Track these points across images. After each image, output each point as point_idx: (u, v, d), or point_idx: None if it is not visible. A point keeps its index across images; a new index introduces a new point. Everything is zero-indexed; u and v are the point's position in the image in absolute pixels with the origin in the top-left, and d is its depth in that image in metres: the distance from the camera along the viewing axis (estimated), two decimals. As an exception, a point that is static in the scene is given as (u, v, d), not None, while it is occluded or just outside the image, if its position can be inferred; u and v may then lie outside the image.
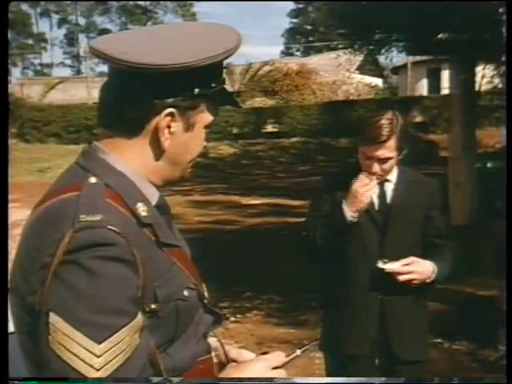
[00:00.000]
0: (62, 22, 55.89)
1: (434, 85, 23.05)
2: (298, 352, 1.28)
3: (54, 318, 0.96)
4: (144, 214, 1.09)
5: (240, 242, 8.16)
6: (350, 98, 22.60)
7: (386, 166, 2.24)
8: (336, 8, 8.91)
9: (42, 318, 0.98)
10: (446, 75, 16.80)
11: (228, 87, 1.23)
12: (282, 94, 22.73)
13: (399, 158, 2.27)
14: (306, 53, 37.34)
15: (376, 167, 2.23)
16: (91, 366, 0.96)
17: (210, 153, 16.94)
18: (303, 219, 2.50)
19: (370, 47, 9.60)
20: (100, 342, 0.96)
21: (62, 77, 33.82)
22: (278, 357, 1.24)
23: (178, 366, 1.12)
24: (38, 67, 54.60)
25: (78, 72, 50.48)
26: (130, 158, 1.13)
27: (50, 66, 54.34)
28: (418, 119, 18.29)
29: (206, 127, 1.17)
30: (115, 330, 0.97)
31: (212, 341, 1.26)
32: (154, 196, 1.15)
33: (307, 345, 1.34)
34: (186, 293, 1.13)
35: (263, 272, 6.57)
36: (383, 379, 2.06)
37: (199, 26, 1.26)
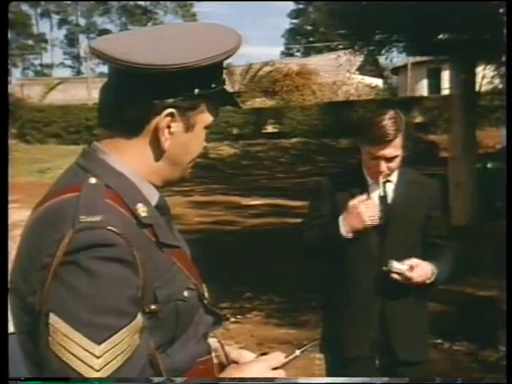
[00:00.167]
0: (63, 22, 55.91)
1: (435, 85, 23.04)
2: (298, 352, 1.28)
3: (53, 318, 0.97)
4: (144, 214, 1.09)
5: (240, 243, 8.16)
6: (351, 98, 22.58)
7: (393, 164, 2.25)
8: (336, 8, 8.91)
9: (41, 319, 0.98)
10: (446, 76, 16.77)
11: (228, 88, 1.23)
12: (282, 94, 22.71)
13: (404, 156, 2.27)
14: (307, 53, 37.32)
15: (383, 166, 2.23)
16: (91, 366, 0.96)
17: (210, 153, 16.93)
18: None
19: (371, 48, 9.60)
20: (100, 343, 0.96)
21: (62, 77, 33.84)
22: (278, 357, 1.24)
23: (178, 366, 1.12)
24: (39, 68, 54.67)
25: (79, 72, 50.50)
26: (130, 159, 1.13)
27: (50, 66, 54.41)
28: (419, 120, 18.27)
29: (206, 128, 1.17)
30: (115, 330, 0.97)
31: (212, 341, 1.26)
32: (153, 196, 1.15)
33: (306, 345, 1.34)
34: (186, 293, 1.13)
35: (263, 272, 6.57)
36: (384, 379, 2.06)
37: (199, 27, 1.26)
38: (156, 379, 1.06)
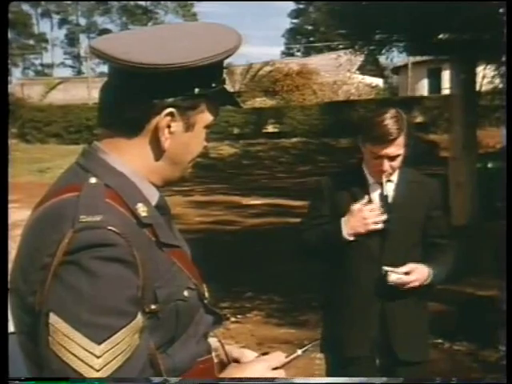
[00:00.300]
0: (63, 22, 55.92)
1: (435, 85, 23.03)
2: (299, 352, 1.28)
3: (53, 318, 0.96)
4: (144, 214, 1.09)
5: (240, 243, 8.16)
6: (351, 98, 22.58)
7: (395, 163, 2.25)
8: (336, 8, 8.90)
9: (41, 319, 0.98)
10: (446, 75, 16.78)
11: (228, 87, 1.23)
12: (282, 94, 22.71)
13: (405, 155, 2.27)
14: (307, 53, 37.29)
15: (386, 165, 2.23)
16: (91, 366, 0.95)
17: (210, 153, 16.93)
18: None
19: (371, 47, 9.59)
20: (100, 343, 0.96)
21: (62, 77, 33.83)
22: (278, 357, 1.24)
23: (178, 366, 1.12)
24: (39, 67, 54.67)
25: (79, 72, 50.51)
26: (130, 158, 1.13)
27: (50, 66, 54.43)
28: (419, 119, 18.27)
29: (206, 127, 1.17)
30: (115, 330, 0.97)
31: (212, 341, 1.26)
32: (154, 196, 1.15)
33: (307, 345, 1.34)
34: (186, 293, 1.13)
35: (263, 272, 6.57)
36: (384, 379, 2.06)
37: (199, 26, 1.25)
38: (156, 379, 1.06)
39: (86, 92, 24.41)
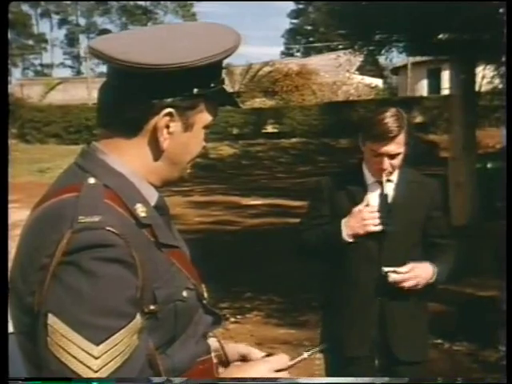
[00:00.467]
0: (63, 22, 55.93)
1: (434, 85, 23.04)
2: (305, 355, 1.27)
3: (52, 319, 0.96)
4: (143, 214, 1.08)
5: (240, 243, 8.16)
6: (350, 98, 22.60)
7: (396, 161, 2.24)
8: (336, 8, 8.90)
9: (40, 319, 0.98)
10: (446, 75, 16.80)
11: (228, 87, 1.23)
12: (282, 94, 22.72)
13: (405, 155, 2.27)
14: (306, 53, 37.33)
15: (386, 163, 2.22)
16: (89, 367, 0.95)
17: (210, 153, 16.94)
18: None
19: (370, 48, 9.59)
20: (98, 344, 0.96)
21: (62, 77, 33.85)
22: (282, 359, 1.23)
23: (177, 366, 1.12)
24: (39, 68, 54.67)
25: (79, 72, 50.53)
26: (129, 159, 1.12)
27: (50, 66, 54.43)
28: (419, 120, 18.26)
29: (205, 127, 1.16)
30: (113, 331, 0.97)
31: (212, 341, 1.25)
32: (153, 197, 1.15)
33: (314, 348, 1.34)
34: (185, 293, 1.12)
35: (263, 272, 6.57)
36: (384, 379, 2.06)
37: (198, 26, 1.25)
38: (155, 379, 1.06)
39: (86, 92, 24.43)
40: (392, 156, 2.22)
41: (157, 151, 1.13)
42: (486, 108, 12.54)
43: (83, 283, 0.96)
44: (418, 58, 20.24)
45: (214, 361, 1.23)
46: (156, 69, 1.04)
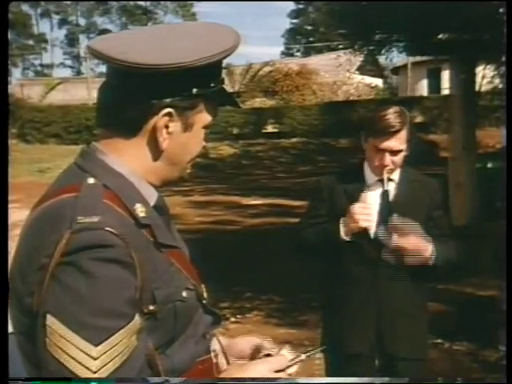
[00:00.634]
0: (63, 22, 55.90)
1: (435, 85, 23.04)
2: (303, 356, 1.27)
3: (51, 319, 0.96)
4: (142, 214, 1.08)
5: (240, 243, 8.16)
6: (351, 98, 22.60)
7: (397, 158, 2.24)
8: (336, 8, 8.90)
9: (39, 320, 0.98)
10: (446, 75, 16.78)
11: (228, 87, 1.23)
12: (282, 94, 22.73)
13: (406, 154, 2.26)
14: (307, 53, 37.33)
15: (387, 159, 2.22)
16: (88, 368, 0.95)
17: (210, 153, 16.94)
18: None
19: (371, 47, 9.60)
20: (97, 345, 0.95)
21: (62, 77, 33.84)
22: (281, 360, 1.23)
23: (176, 366, 1.11)
24: (39, 68, 54.64)
25: (79, 72, 50.52)
26: (129, 159, 1.12)
27: (50, 66, 54.40)
28: (419, 119, 18.25)
29: (205, 127, 1.16)
30: (112, 332, 0.97)
31: (212, 341, 1.25)
32: (152, 197, 1.15)
33: (312, 350, 1.34)
34: (184, 294, 1.12)
35: (263, 272, 6.57)
36: (384, 379, 2.06)
37: (198, 26, 1.25)
38: (155, 379, 1.06)
39: (86, 92, 24.44)
40: (394, 152, 2.22)
41: (156, 151, 1.13)
42: (486, 108, 12.54)
43: (82, 284, 0.96)
44: (418, 58, 20.25)
45: (214, 361, 1.23)
46: (155, 69, 1.03)
